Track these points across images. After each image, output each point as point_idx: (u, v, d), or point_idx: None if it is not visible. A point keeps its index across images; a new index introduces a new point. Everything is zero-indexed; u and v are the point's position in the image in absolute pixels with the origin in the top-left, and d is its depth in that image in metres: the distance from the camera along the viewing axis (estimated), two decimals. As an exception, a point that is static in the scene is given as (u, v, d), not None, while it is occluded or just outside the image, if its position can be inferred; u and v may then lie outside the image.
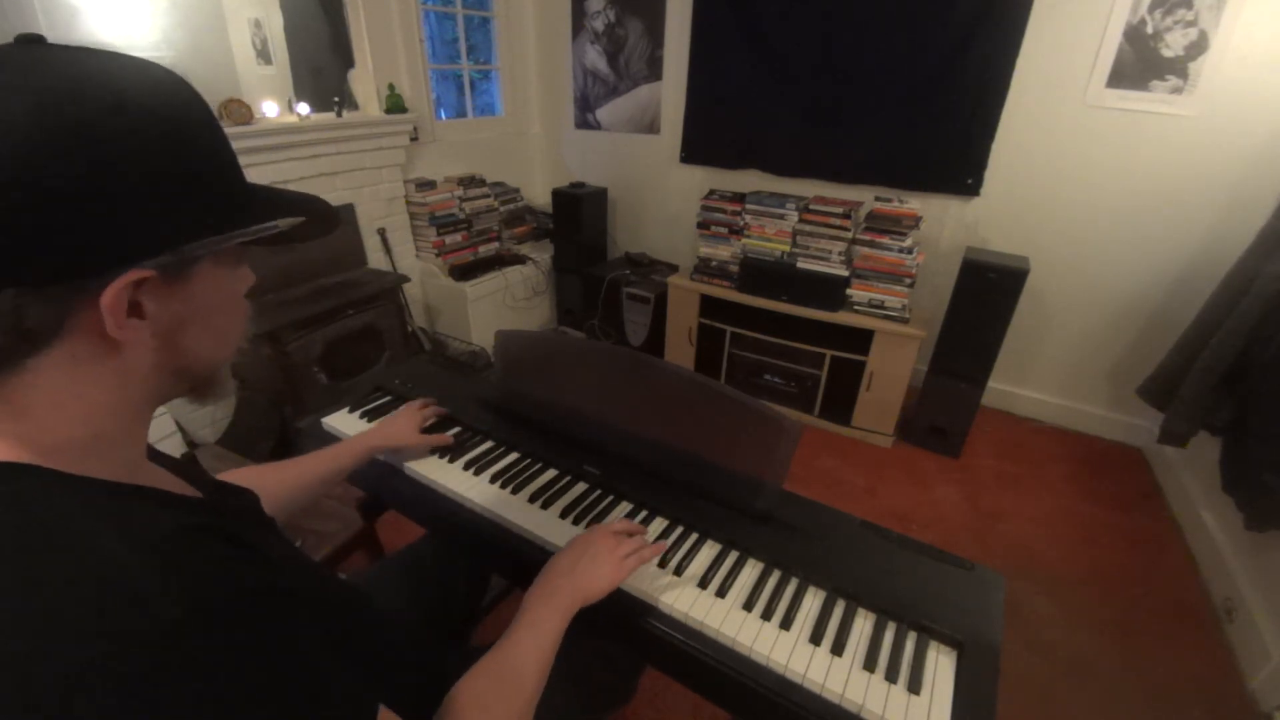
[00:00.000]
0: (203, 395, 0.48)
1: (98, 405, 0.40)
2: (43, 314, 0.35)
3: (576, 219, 3.05)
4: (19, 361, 0.36)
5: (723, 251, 2.59)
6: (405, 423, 1.02)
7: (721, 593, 0.81)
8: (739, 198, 2.53)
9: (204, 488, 0.54)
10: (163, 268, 0.38)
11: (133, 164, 0.36)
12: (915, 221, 2.25)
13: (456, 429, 1.14)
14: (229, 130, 1.66)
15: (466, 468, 1.02)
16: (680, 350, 2.81)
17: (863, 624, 0.78)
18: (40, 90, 0.33)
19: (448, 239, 2.84)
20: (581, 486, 1.00)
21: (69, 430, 0.39)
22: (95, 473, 0.40)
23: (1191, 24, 1.92)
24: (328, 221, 0.50)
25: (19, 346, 0.36)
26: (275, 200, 0.47)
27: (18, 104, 0.32)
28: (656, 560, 0.85)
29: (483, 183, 3.04)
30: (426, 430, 1.05)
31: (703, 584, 0.82)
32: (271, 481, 0.81)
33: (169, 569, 0.35)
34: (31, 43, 0.36)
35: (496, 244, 3.13)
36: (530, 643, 0.64)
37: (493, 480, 1.00)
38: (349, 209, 2.50)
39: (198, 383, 0.47)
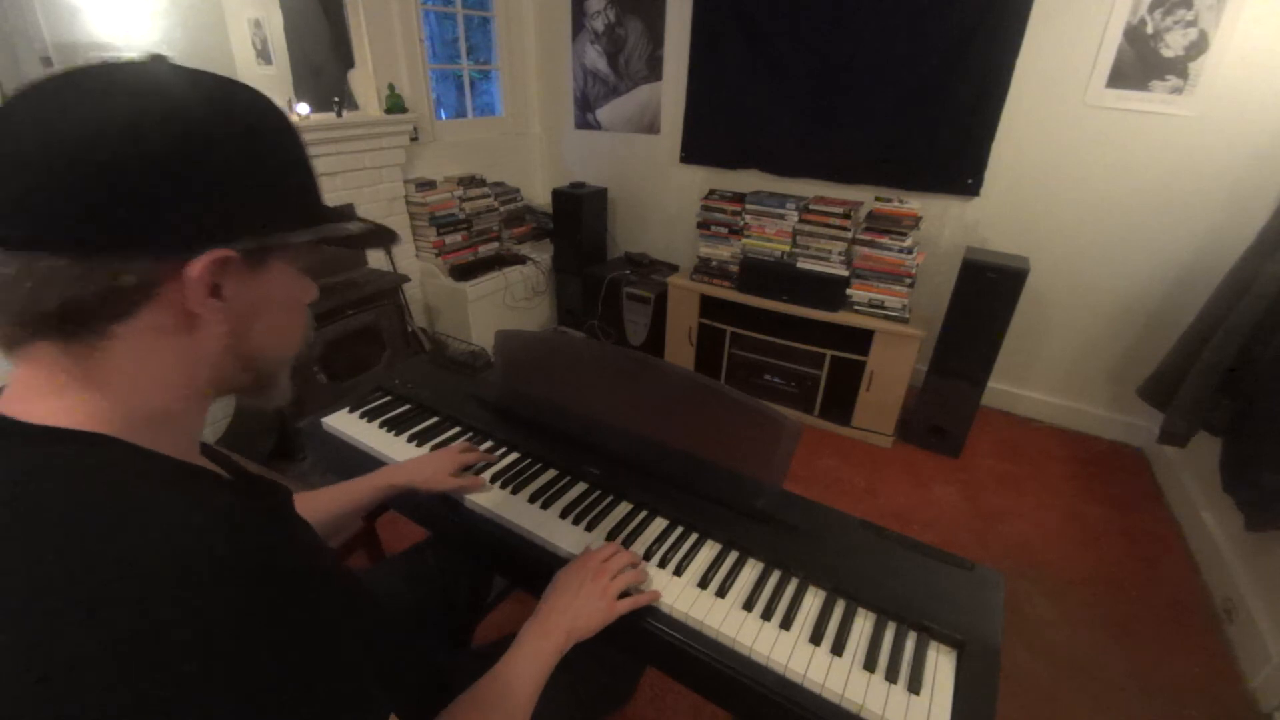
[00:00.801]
0: (263, 393, 0.50)
1: (169, 381, 0.42)
2: (136, 279, 0.38)
3: (576, 219, 3.05)
4: (106, 326, 0.39)
5: (723, 251, 2.59)
6: (441, 467, 0.96)
7: (721, 593, 0.81)
8: (739, 198, 2.53)
9: (239, 476, 0.55)
10: (245, 253, 0.41)
11: (231, 156, 0.40)
12: (915, 221, 2.25)
13: (456, 428, 1.14)
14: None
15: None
16: (680, 350, 2.81)
17: (863, 624, 0.78)
18: (161, 88, 0.39)
19: (448, 239, 2.84)
20: (581, 486, 1.00)
21: (142, 403, 0.41)
22: (160, 448, 0.42)
23: (1191, 24, 1.92)
24: (389, 235, 0.55)
25: (109, 309, 0.38)
26: (344, 213, 0.51)
27: (143, 98, 0.38)
28: (656, 562, 0.85)
29: (483, 183, 3.04)
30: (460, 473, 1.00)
31: (703, 584, 0.82)
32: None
33: (236, 542, 0.37)
34: (159, 59, 0.41)
35: (496, 244, 3.13)
36: (521, 674, 0.66)
37: (493, 480, 1.00)
38: (349, 209, 2.50)
39: (260, 377, 0.49)
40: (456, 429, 1.14)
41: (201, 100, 0.40)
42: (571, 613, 0.73)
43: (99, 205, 0.36)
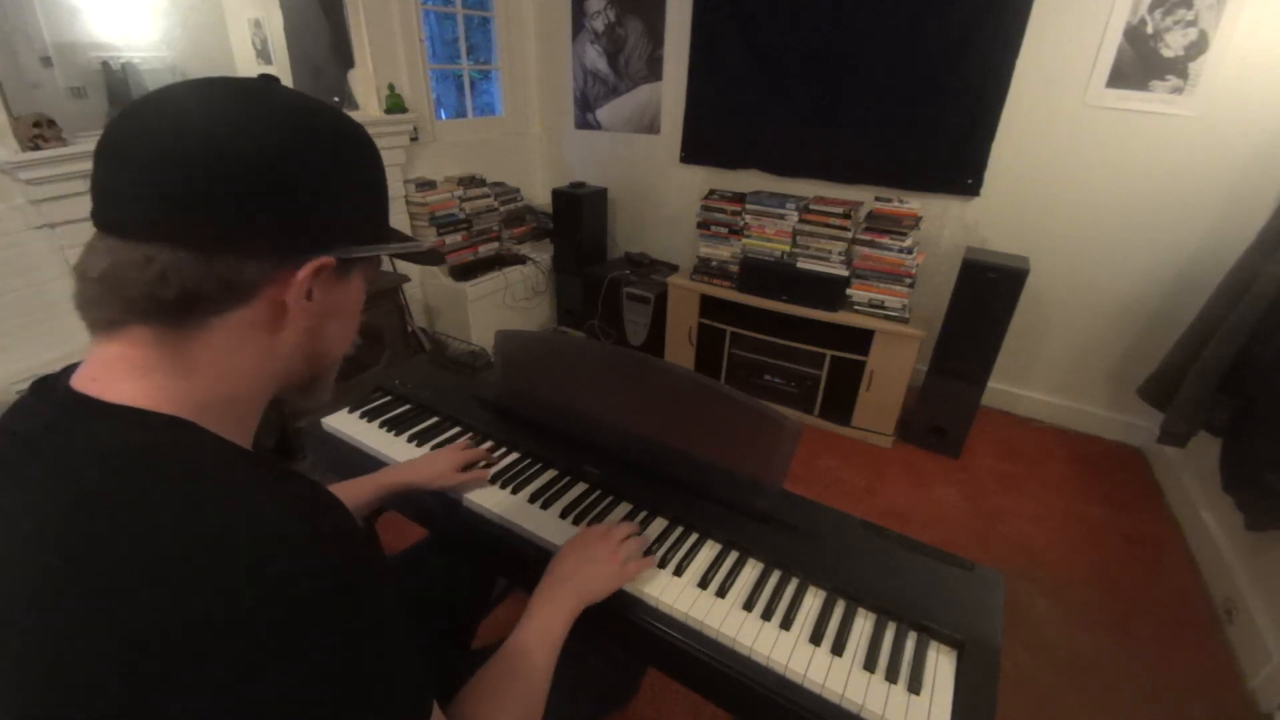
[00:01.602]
0: (312, 391, 0.53)
1: (246, 373, 0.45)
2: (251, 276, 0.41)
3: (576, 219, 3.05)
4: (207, 318, 0.41)
5: (723, 251, 2.59)
6: (445, 463, 0.97)
7: (721, 593, 0.81)
8: (739, 198, 2.53)
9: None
10: (340, 261, 0.45)
11: (338, 175, 0.45)
12: (915, 221, 2.25)
13: (456, 428, 1.14)
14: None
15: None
16: (680, 350, 2.81)
17: (863, 624, 0.78)
18: (285, 110, 0.42)
19: (448, 239, 2.84)
20: (581, 486, 1.00)
21: (219, 392, 0.43)
22: (228, 436, 0.43)
23: (1191, 24, 1.92)
24: (438, 257, 0.62)
25: (218, 301, 0.41)
26: (403, 232, 0.56)
27: (268, 119, 0.41)
28: (656, 562, 0.85)
29: (483, 183, 3.04)
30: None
31: (703, 584, 0.82)
32: None
33: (314, 527, 0.39)
34: (269, 79, 0.46)
35: (496, 244, 3.13)
36: (536, 643, 0.67)
37: (492, 480, 1.00)
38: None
39: (316, 374, 0.52)
40: (456, 429, 1.14)
41: (325, 123, 0.44)
42: (580, 579, 0.75)
43: (228, 206, 0.39)
